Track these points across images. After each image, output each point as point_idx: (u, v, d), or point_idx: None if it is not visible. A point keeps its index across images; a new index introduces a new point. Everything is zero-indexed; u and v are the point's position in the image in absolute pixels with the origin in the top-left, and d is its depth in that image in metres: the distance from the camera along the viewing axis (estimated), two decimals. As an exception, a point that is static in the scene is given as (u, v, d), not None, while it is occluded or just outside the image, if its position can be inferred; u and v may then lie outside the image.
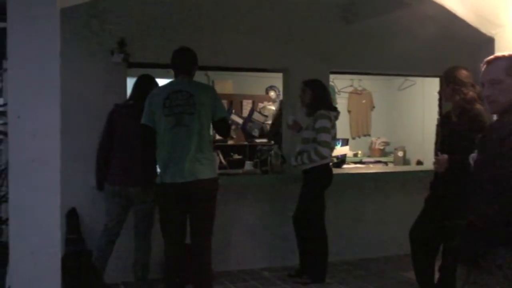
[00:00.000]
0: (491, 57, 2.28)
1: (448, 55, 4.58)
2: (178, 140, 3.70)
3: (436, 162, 3.78)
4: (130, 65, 4.78)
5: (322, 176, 4.64)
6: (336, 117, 4.74)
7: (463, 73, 3.75)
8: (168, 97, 3.75)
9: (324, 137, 4.52)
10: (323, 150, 4.51)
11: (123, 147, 4.15)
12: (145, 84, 4.24)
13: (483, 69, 2.26)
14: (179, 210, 3.77)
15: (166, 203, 3.81)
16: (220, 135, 4.27)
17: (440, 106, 6.10)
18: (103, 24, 4.68)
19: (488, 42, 3.87)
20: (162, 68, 4.75)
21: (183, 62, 3.89)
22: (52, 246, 2.59)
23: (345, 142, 8.11)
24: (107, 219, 4.19)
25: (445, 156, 3.66)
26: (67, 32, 4.16)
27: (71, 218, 4.47)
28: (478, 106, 3.69)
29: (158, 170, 3.96)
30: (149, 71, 4.67)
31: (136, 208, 4.16)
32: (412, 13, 4.65)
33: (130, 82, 4.54)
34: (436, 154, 3.84)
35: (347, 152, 8.06)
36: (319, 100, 4.64)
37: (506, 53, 2.26)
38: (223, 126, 3.98)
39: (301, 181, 4.71)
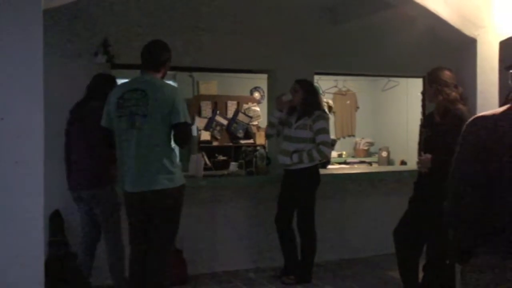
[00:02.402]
0: None
1: (431, 56, 4.63)
2: (130, 145, 3.32)
3: (420, 162, 3.82)
4: (114, 66, 4.74)
5: (315, 177, 4.68)
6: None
7: (447, 74, 3.80)
8: (122, 96, 3.37)
9: (326, 137, 4.60)
10: (327, 150, 4.62)
11: (73, 149, 4.02)
12: (99, 84, 4.04)
13: None
14: (141, 219, 3.44)
15: (127, 210, 3.52)
16: (176, 143, 3.49)
17: (423, 106, 6.16)
18: (87, 25, 4.64)
19: (470, 43, 3.91)
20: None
21: (148, 57, 3.46)
22: (35, 249, 2.56)
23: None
24: (81, 224, 4.13)
25: (429, 156, 3.70)
26: (51, 33, 4.14)
27: (55, 220, 4.42)
28: (461, 106, 3.73)
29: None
30: (133, 72, 4.64)
31: (96, 211, 3.99)
32: (396, 15, 4.68)
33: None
34: (419, 154, 3.87)
35: (332, 153, 8.12)
36: (312, 101, 4.66)
37: None
38: (180, 132, 3.39)
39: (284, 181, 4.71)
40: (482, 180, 2.06)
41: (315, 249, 4.69)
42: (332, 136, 8.31)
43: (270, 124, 4.91)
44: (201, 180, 4.83)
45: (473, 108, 3.76)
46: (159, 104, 3.29)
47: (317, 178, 4.68)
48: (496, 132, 2.06)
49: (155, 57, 3.45)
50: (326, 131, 4.63)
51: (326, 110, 8.25)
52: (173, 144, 3.49)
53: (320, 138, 4.57)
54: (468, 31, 3.87)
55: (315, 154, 4.55)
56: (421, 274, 3.97)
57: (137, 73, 3.58)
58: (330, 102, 8.57)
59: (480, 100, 3.83)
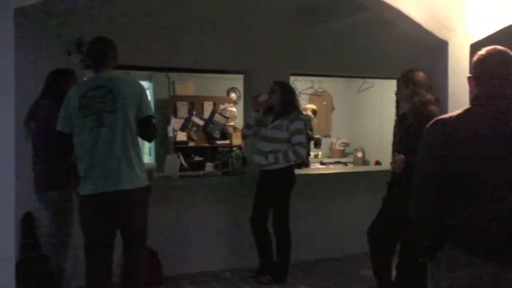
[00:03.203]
0: None
1: (405, 58, 4.68)
2: (99, 144, 3.23)
3: (393, 162, 3.87)
4: (88, 66, 4.68)
5: (290, 177, 4.69)
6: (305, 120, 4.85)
7: (422, 76, 3.87)
8: (84, 95, 3.28)
9: (302, 138, 4.62)
10: (302, 151, 4.63)
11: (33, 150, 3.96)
12: (53, 81, 3.96)
13: None
14: (104, 223, 3.31)
15: (88, 215, 3.34)
16: (143, 137, 3.47)
17: (397, 107, 6.23)
18: (61, 24, 4.58)
19: (442, 46, 3.97)
20: (121, 69, 4.67)
21: (99, 54, 3.40)
22: (6, 252, 2.52)
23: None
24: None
25: (402, 156, 3.74)
26: (23, 32, 4.08)
27: (27, 222, 4.36)
28: (433, 107, 3.79)
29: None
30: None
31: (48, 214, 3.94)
32: (371, 17, 4.74)
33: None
34: (393, 155, 3.92)
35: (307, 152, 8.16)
36: (290, 102, 4.69)
37: None
38: (147, 126, 3.38)
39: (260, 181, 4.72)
40: (441, 180, 2.13)
41: (290, 249, 4.71)
42: (317, 135, 8.38)
43: (246, 125, 4.92)
44: (176, 180, 4.82)
45: (445, 110, 3.81)
46: (127, 100, 3.26)
47: (292, 179, 4.70)
48: (452, 134, 2.13)
49: (107, 54, 3.40)
50: (302, 131, 4.65)
51: (310, 113, 8.32)
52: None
53: (296, 138, 4.59)
54: (440, 33, 3.94)
55: (290, 154, 4.58)
56: (394, 273, 4.03)
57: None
58: (314, 107, 8.63)
59: (451, 102, 3.89)
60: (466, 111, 2.18)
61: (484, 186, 2.06)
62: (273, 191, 4.67)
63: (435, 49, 4.05)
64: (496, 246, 2.03)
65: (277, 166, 4.60)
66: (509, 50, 2.17)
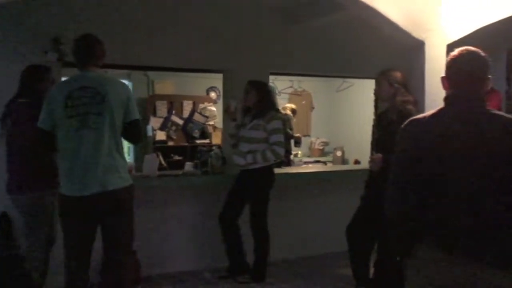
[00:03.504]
0: None
1: (383, 57, 4.74)
2: (84, 145, 3.16)
3: (372, 161, 3.90)
4: (65, 64, 4.64)
5: (269, 177, 4.69)
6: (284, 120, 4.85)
7: (402, 75, 3.92)
8: (70, 95, 3.19)
9: (280, 137, 4.62)
10: (280, 150, 4.62)
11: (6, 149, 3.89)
12: (28, 78, 3.87)
13: None
14: (86, 224, 3.25)
15: (69, 218, 3.25)
16: (129, 140, 3.49)
17: (375, 106, 6.27)
18: (38, 22, 4.53)
19: (419, 46, 4.03)
20: (99, 68, 4.63)
21: (85, 51, 3.30)
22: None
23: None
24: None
25: (380, 155, 3.78)
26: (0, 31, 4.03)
27: (2, 222, 4.30)
28: (411, 107, 3.83)
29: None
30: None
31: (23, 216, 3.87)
32: (349, 17, 4.77)
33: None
34: (371, 154, 3.96)
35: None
36: (266, 101, 4.68)
37: None
38: (134, 130, 3.35)
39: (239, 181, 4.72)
40: (415, 180, 2.17)
41: (268, 248, 4.72)
42: (297, 134, 8.41)
43: (230, 135, 4.91)
44: (155, 180, 4.79)
45: (421, 109, 3.86)
46: (114, 102, 3.21)
47: (271, 178, 4.71)
48: (424, 134, 2.17)
49: (95, 52, 3.33)
50: (279, 131, 4.65)
51: (290, 113, 8.35)
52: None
53: (273, 138, 4.60)
54: (417, 33, 3.99)
55: (269, 154, 4.58)
56: (372, 270, 4.07)
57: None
58: (294, 106, 8.67)
59: (428, 102, 3.94)
60: (439, 111, 2.22)
61: (456, 185, 2.10)
62: (252, 190, 4.67)
63: (412, 49, 4.10)
64: (469, 244, 2.06)
65: (256, 166, 4.60)
66: (481, 51, 2.21)
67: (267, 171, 4.68)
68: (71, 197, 3.20)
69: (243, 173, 4.71)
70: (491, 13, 4.28)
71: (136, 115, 3.33)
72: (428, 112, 2.27)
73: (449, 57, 2.24)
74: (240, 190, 4.71)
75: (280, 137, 4.64)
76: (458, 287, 2.10)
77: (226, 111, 4.90)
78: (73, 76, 3.36)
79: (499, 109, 3.90)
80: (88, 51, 3.30)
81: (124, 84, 3.53)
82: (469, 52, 2.21)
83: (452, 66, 2.22)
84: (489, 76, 2.20)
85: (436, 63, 3.96)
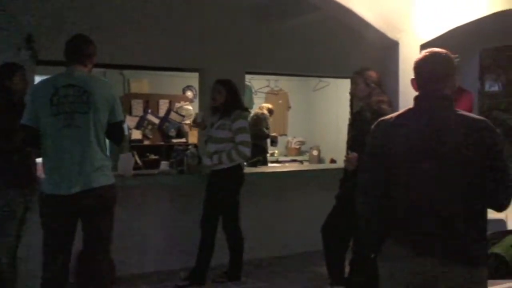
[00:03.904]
0: None
1: (358, 57, 4.78)
2: (68, 144, 3.17)
3: (347, 160, 3.94)
4: (39, 62, 4.58)
5: (238, 176, 4.65)
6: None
7: (378, 75, 3.96)
8: (56, 92, 3.19)
9: (245, 137, 4.53)
10: (246, 150, 4.52)
11: None
12: None
13: None
14: (69, 224, 3.25)
15: (50, 216, 3.24)
16: (112, 140, 3.48)
17: (351, 106, 6.32)
18: (11, 19, 4.46)
19: (393, 46, 4.08)
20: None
21: (75, 50, 3.32)
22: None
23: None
24: None
25: (355, 154, 3.81)
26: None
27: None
28: (385, 106, 3.87)
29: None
30: (58, 69, 4.50)
31: None
32: (324, 17, 4.80)
33: (39, 80, 4.35)
34: (347, 153, 3.99)
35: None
36: (234, 101, 4.65)
37: None
38: (118, 131, 3.41)
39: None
40: (383, 179, 2.24)
41: (242, 247, 4.69)
42: (273, 134, 8.44)
43: (205, 142, 4.83)
44: (130, 179, 4.75)
45: (396, 109, 3.91)
46: (100, 102, 3.22)
47: (239, 178, 4.64)
48: (390, 134, 2.24)
49: (83, 51, 3.33)
50: (245, 130, 4.55)
51: (266, 112, 8.36)
52: None
53: (239, 137, 4.51)
54: (391, 34, 4.04)
55: (234, 154, 4.49)
56: (347, 269, 4.11)
57: (62, 69, 3.46)
58: (271, 106, 8.69)
59: (402, 101, 4.01)
60: (406, 111, 2.29)
61: (420, 184, 2.15)
62: (220, 191, 4.59)
63: (387, 49, 4.16)
64: (432, 242, 2.12)
65: (223, 167, 4.53)
66: (445, 52, 2.26)
67: (235, 171, 4.59)
68: (55, 195, 3.18)
69: (212, 174, 4.63)
70: (463, 14, 4.37)
71: (121, 116, 3.38)
72: (396, 113, 2.33)
73: (417, 58, 2.30)
74: (211, 194, 4.63)
75: (246, 137, 4.54)
76: (420, 284, 2.16)
77: (194, 122, 4.88)
78: (59, 74, 3.34)
79: (470, 109, 3.97)
80: (77, 50, 3.32)
81: (110, 85, 3.54)
82: (432, 54, 2.26)
83: (416, 67, 2.27)
84: (455, 75, 2.24)
85: (410, 63, 3.91)
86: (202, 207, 4.67)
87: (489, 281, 4.54)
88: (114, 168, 5.04)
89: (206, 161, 4.62)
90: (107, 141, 3.39)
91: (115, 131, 3.36)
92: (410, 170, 2.16)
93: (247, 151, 4.54)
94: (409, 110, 2.28)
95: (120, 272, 4.66)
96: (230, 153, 4.50)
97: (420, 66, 2.26)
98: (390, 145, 2.22)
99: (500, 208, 2.14)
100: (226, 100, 4.59)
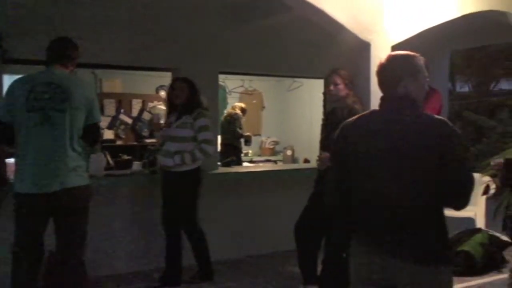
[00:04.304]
0: None
1: (331, 58, 4.81)
2: (43, 142, 3.16)
3: (319, 160, 3.97)
4: (7, 61, 4.50)
5: (199, 177, 4.56)
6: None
7: (350, 75, 3.99)
8: (32, 89, 3.18)
9: (208, 135, 4.48)
10: (209, 148, 4.47)
11: None
12: None
13: None
14: (43, 223, 3.23)
15: (25, 215, 3.19)
16: (87, 142, 3.42)
17: (324, 106, 6.37)
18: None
19: (365, 47, 4.12)
20: (42, 65, 4.51)
21: (58, 50, 3.34)
22: None
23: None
24: None
25: (327, 154, 3.83)
26: None
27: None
28: (358, 106, 3.92)
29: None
30: (26, 68, 4.45)
31: None
32: (298, 17, 4.82)
33: (8, 79, 4.27)
34: (320, 153, 4.02)
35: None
36: (195, 99, 4.54)
37: None
38: (94, 132, 3.41)
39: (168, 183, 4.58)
40: (344, 179, 2.30)
41: (205, 247, 4.60)
42: (247, 133, 8.44)
43: (159, 145, 4.75)
44: (101, 180, 4.70)
45: (367, 108, 3.95)
46: (78, 102, 3.22)
47: (200, 180, 4.56)
48: (350, 135, 2.30)
49: (66, 53, 3.36)
50: (207, 128, 4.49)
51: (239, 112, 8.35)
52: None
53: (202, 136, 4.45)
54: (362, 35, 4.09)
55: (197, 153, 4.43)
56: (320, 268, 4.13)
57: (31, 68, 3.42)
58: (244, 105, 8.69)
59: (374, 101, 4.03)
60: (370, 112, 2.36)
61: (377, 184, 2.20)
62: (181, 193, 4.50)
63: (358, 50, 4.20)
64: (391, 242, 2.17)
65: (184, 168, 4.44)
66: (408, 54, 2.30)
67: (195, 172, 4.52)
68: (29, 195, 3.15)
69: (169, 175, 4.52)
70: (433, 16, 4.44)
71: (99, 118, 3.39)
72: (359, 115, 2.38)
73: (378, 63, 2.34)
74: (170, 196, 4.54)
75: (208, 135, 4.49)
76: (382, 282, 2.21)
77: (153, 124, 4.80)
78: (39, 72, 3.34)
79: (439, 108, 4.04)
80: (62, 53, 3.34)
81: (90, 86, 3.53)
82: (394, 57, 2.31)
83: (378, 71, 2.32)
84: (418, 76, 2.27)
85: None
86: (162, 209, 4.57)
87: (458, 279, 4.65)
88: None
89: (167, 161, 4.46)
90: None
91: (91, 132, 3.35)
92: (368, 171, 2.22)
93: (210, 149, 4.48)
94: (372, 111, 2.36)
95: (91, 273, 4.59)
96: (194, 153, 4.43)
97: (381, 69, 2.30)
98: (350, 146, 2.27)
99: (457, 207, 2.19)
100: (188, 98, 4.52)
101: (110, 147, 7.60)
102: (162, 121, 8.38)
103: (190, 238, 4.61)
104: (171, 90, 4.59)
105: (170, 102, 4.65)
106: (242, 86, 9.65)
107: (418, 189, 2.14)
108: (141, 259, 5.01)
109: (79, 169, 3.26)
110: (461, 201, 2.16)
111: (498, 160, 2.73)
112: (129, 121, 8.20)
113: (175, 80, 4.64)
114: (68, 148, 3.19)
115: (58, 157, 3.16)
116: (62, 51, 3.35)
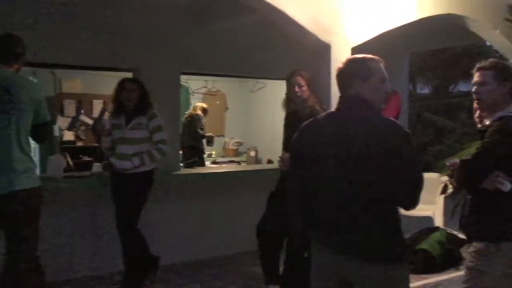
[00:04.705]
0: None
1: (293, 59, 4.84)
2: None
3: (281, 161, 3.99)
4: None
5: (151, 180, 4.49)
6: None
7: (311, 76, 4.02)
8: None
9: (163, 135, 4.43)
10: (165, 148, 4.42)
11: None
12: None
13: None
14: None
15: None
16: (35, 140, 3.41)
17: (286, 107, 6.40)
18: None
19: (325, 48, 4.16)
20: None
21: (2, 50, 3.22)
22: None
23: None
24: None
25: (289, 154, 3.85)
26: None
27: None
28: (319, 107, 3.95)
29: None
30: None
31: None
32: (260, 19, 4.82)
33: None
34: (282, 153, 4.04)
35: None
36: (147, 99, 4.47)
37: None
38: (44, 131, 3.35)
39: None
40: (301, 179, 2.36)
41: (143, 250, 4.49)
42: (209, 133, 8.40)
43: (105, 149, 4.63)
44: (60, 182, 4.61)
45: (328, 109, 3.99)
46: (25, 102, 3.13)
47: (152, 182, 4.49)
48: (306, 136, 2.36)
49: (9, 50, 3.22)
50: (162, 128, 4.43)
51: (200, 112, 8.30)
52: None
53: (157, 136, 4.40)
54: (323, 36, 4.13)
55: (155, 153, 4.38)
56: (282, 268, 4.15)
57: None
58: (205, 105, 8.65)
59: (334, 103, 4.06)
60: (325, 115, 2.41)
61: (329, 184, 2.25)
62: (134, 195, 4.39)
63: (319, 51, 4.23)
64: (343, 241, 2.23)
65: (141, 169, 4.37)
66: (364, 57, 2.34)
67: (151, 172, 4.46)
68: None
69: (122, 177, 4.42)
70: (392, 19, 4.52)
71: (47, 117, 3.30)
72: (317, 116, 2.44)
73: (337, 66, 2.40)
74: (122, 197, 4.42)
75: (164, 135, 4.43)
76: (337, 281, 2.26)
77: (100, 131, 4.69)
78: None
79: (399, 111, 4.11)
80: (3, 50, 3.21)
81: (36, 85, 3.46)
82: (350, 60, 2.37)
83: (337, 73, 2.38)
84: (371, 80, 2.30)
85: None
86: (116, 212, 4.45)
87: (417, 276, 4.74)
88: (44, 170, 4.89)
89: (124, 164, 4.36)
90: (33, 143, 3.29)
91: (39, 132, 3.29)
92: (321, 172, 2.26)
93: (165, 148, 4.44)
94: (328, 113, 2.40)
95: (49, 278, 4.49)
96: (151, 153, 4.38)
97: (338, 72, 2.37)
98: (306, 147, 2.32)
99: (406, 207, 2.24)
100: (139, 99, 4.44)
101: (70, 149, 7.47)
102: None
103: (127, 239, 4.43)
104: (121, 91, 4.46)
105: (117, 103, 4.51)
106: (205, 87, 9.61)
107: (368, 189, 2.18)
108: (101, 262, 4.93)
109: (29, 171, 3.18)
110: (411, 201, 2.21)
111: (453, 160, 2.80)
112: (90, 122, 8.06)
113: (124, 81, 4.52)
114: (15, 150, 3.11)
115: (5, 160, 3.08)
116: (4, 49, 3.22)
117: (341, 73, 2.35)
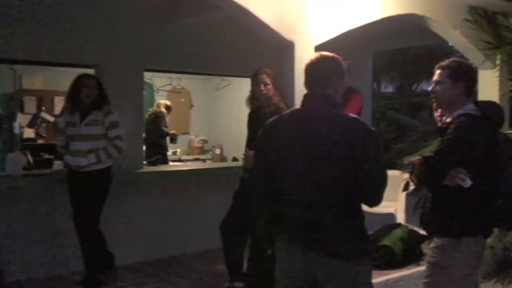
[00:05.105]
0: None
1: (257, 57, 4.84)
2: None
3: (245, 158, 3.98)
4: None
5: (111, 175, 4.43)
6: None
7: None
8: None
9: (120, 131, 4.36)
10: (122, 144, 4.34)
11: None
12: None
13: None
14: None
15: None
16: None
17: (250, 105, 6.40)
18: None
19: (288, 46, 4.18)
20: None
21: None
22: None
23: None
24: None
25: (252, 152, 3.85)
26: None
27: None
28: (283, 105, 3.96)
29: None
30: None
31: None
32: (224, 16, 4.81)
33: None
34: (246, 151, 4.03)
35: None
36: (104, 95, 4.41)
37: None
38: None
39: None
40: (266, 176, 2.37)
41: (103, 248, 4.43)
42: (172, 131, 8.32)
43: (60, 147, 4.54)
44: (19, 180, 4.50)
45: (291, 107, 4.00)
46: None
47: (111, 179, 4.42)
48: (272, 133, 2.36)
49: None
50: (119, 124, 4.38)
51: (164, 109, 8.22)
52: None
53: (113, 132, 4.33)
54: (287, 35, 4.14)
55: (111, 150, 4.31)
56: (246, 265, 4.16)
57: None
58: (169, 102, 8.57)
59: (297, 101, 4.07)
60: (290, 112, 2.43)
61: (294, 181, 2.27)
62: (92, 193, 4.32)
63: (283, 49, 4.24)
64: (307, 237, 2.25)
65: (98, 167, 4.30)
66: (333, 56, 2.36)
67: (108, 169, 4.40)
68: None
69: (79, 175, 4.33)
70: (356, 17, 4.56)
71: None
72: (283, 113, 2.45)
73: (306, 62, 2.41)
74: (81, 195, 4.34)
75: (120, 131, 4.36)
76: (302, 278, 2.26)
77: (55, 130, 4.57)
78: None
79: (360, 109, 4.15)
80: None
81: None
82: (318, 57, 2.38)
83: (305, 70, 2.39)
84: (341, 77, 2.34)
85: (304, 63, 4.12)
86: (73, 212, 4.37)
87: (378, 272, 4.80)
88: (2, 168, 4.77)
89: (79, 161, 4.26)
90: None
91: None
92: (286, 169, 2.26)
93: (122, 144, 4.36)
94: (293, 110, 2.42)
95: (9, 278, 4.41)
96: (107, 150, 4.31)
97: (307, 69, 2.36)
98: (270, 144, 2.32)
99: (371, 204, 2.27)
100: (99, 95, 4.37)
101: (31, 146, 7.31)
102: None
103: (88, 238, 4.36)
104: (80, 88, 4.36)
105: (74, 100, 4.40)
106: (170, 84, 9.54)
107: (331, 187, 2.19)
108: (61, 262, 4.83)
109: None
110: (375, 198, 2.24)
111: (411, 158, 2.85)
112: (51, 119, 7.89)
113: (83, 78, 4.43)
114: None
115: None
116: None
117: (314, 69, 2.33)
